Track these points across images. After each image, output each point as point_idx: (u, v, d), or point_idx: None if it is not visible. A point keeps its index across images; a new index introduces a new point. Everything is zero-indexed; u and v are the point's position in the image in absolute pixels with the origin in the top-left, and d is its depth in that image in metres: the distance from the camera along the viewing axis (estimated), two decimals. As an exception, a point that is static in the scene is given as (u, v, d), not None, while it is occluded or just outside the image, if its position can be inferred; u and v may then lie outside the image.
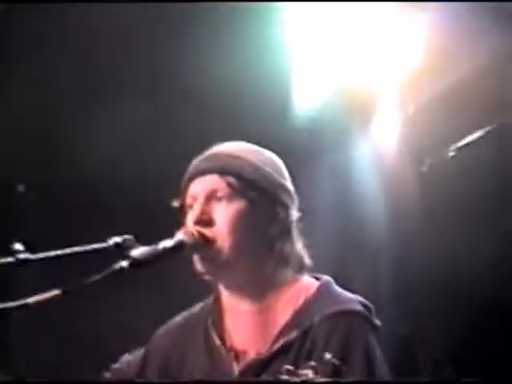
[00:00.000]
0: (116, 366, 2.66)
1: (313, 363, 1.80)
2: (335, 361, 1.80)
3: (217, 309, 2.48)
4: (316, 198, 4.36)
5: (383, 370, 2.27)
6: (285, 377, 1.83)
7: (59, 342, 4.49)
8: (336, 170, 4.69)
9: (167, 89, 4.45)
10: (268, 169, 2.43)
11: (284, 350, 2.25)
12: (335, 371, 1.79)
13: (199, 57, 4.31)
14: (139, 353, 2.63)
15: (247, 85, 4.29)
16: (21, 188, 4.51)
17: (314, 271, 2.48)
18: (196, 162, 2.45)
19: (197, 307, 2.59)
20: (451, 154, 3.69)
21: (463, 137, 3.77)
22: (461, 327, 4.31)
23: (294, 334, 2.27)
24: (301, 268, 2.44)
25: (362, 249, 4.61)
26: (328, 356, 1.80)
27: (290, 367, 1.84)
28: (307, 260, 2.46)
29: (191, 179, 2.43)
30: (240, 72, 4.25)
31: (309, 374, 1.79)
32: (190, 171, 2.45)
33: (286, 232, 2.41)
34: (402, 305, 4.54)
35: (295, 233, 2.45)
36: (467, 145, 3.63)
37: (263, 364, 2.26)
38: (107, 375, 2.65)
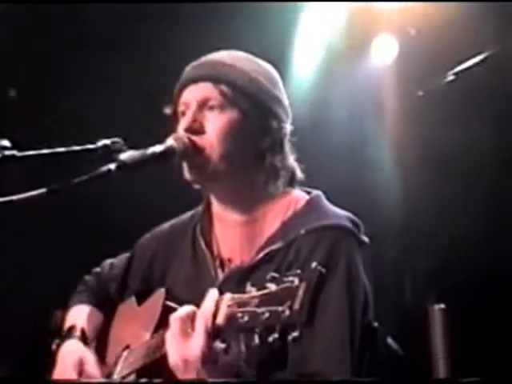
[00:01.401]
0: (97, 269, 2.68)
1: (298, 271, 1.79)
2: (322, 269, 1.78)
3: (206, 217, 2.48)
4: (314, 120, 4.36)
5: (363, 287, 2.27)
6: (270, 284, 1.81)
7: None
8: (335, 93, 4.65)
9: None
10: (263, 79, 2.38)
11: (267, 260, 2.27)
12: (320, 280, 1.78)
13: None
14: (123, 256, 2.66)
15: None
16: (12, 93, 4.49)
17: (308, 186, 2.47)
18: (190, 69, 2.41)
19: (186, 215, 2.59)
20: (449, 78, 3.64)
21: (461, 62, 3.73)
22: (448, 257, 4.34)
23: (278, 245, 2.28)
24: (291, 181, 2.43)
25: (359, 171, 4.61)
26: (314, 264, 1.79)
27: (275, 274, 1.83)
28: (299, 173, 2.44)
29: (184, 86, 2.39)
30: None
31: (294, 280, 1.78)
32: (183, 78, 2.40)
33: (277, 145, 2.39)
34: (395, 228, 4.56)
35: (287, 146, 2.42)
36: (465, 70, 3.58)
37: (246, 272, 2.27)
38: (87, 278, 2.68)
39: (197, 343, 1.89)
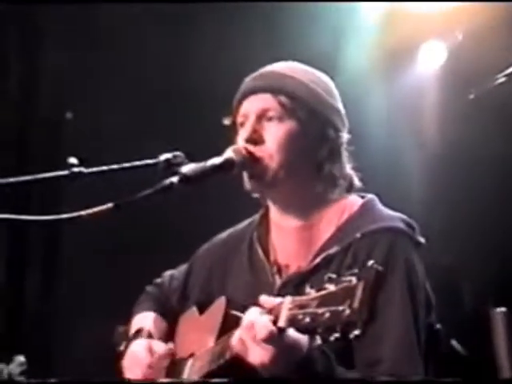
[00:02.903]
0: (158, 280, 2.74)
1: (356, 270, 1.81)
2: (378, 267, 1.79)
3: (263, 224, 2.52)
4: (363, 127, 4.35)
5: (424, 288, 2.30)
6: (328, 285, 1.84)
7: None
8: (385, 97, 4.66)
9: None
10: (320, 89, 2.44)
11: (325, 265, 2.30)
12: (378, 278, 1.79)
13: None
14: (183, 268, 2.71)
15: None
16: (69, 116, 4.59)
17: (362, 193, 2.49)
18: (249, 81, 2.47)
19: (243, 223, 2.64)
20: (500, 80, 3.63)
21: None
22: (504, 260, 4.30)
23: (334, 249, 2.31)
24: (349, 190, 2.47)
25: (409, 177, 4.60)
26: (371, 262, 1.80)
27: (332, 275, 1.85)
28: (356, 181, 2.48)
29: (243, 97, 2.44)
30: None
31: (352, 280, 1.80)
32: (243, 89, 2.46)
33: (335, 154, 2.43)
34: (447, 235, 4.53)
35: (344, 155, 2.46)
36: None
37: (304, 277, 2.30)
38: (149, 289, 2.73)
39: (265, 347, 1.94)
